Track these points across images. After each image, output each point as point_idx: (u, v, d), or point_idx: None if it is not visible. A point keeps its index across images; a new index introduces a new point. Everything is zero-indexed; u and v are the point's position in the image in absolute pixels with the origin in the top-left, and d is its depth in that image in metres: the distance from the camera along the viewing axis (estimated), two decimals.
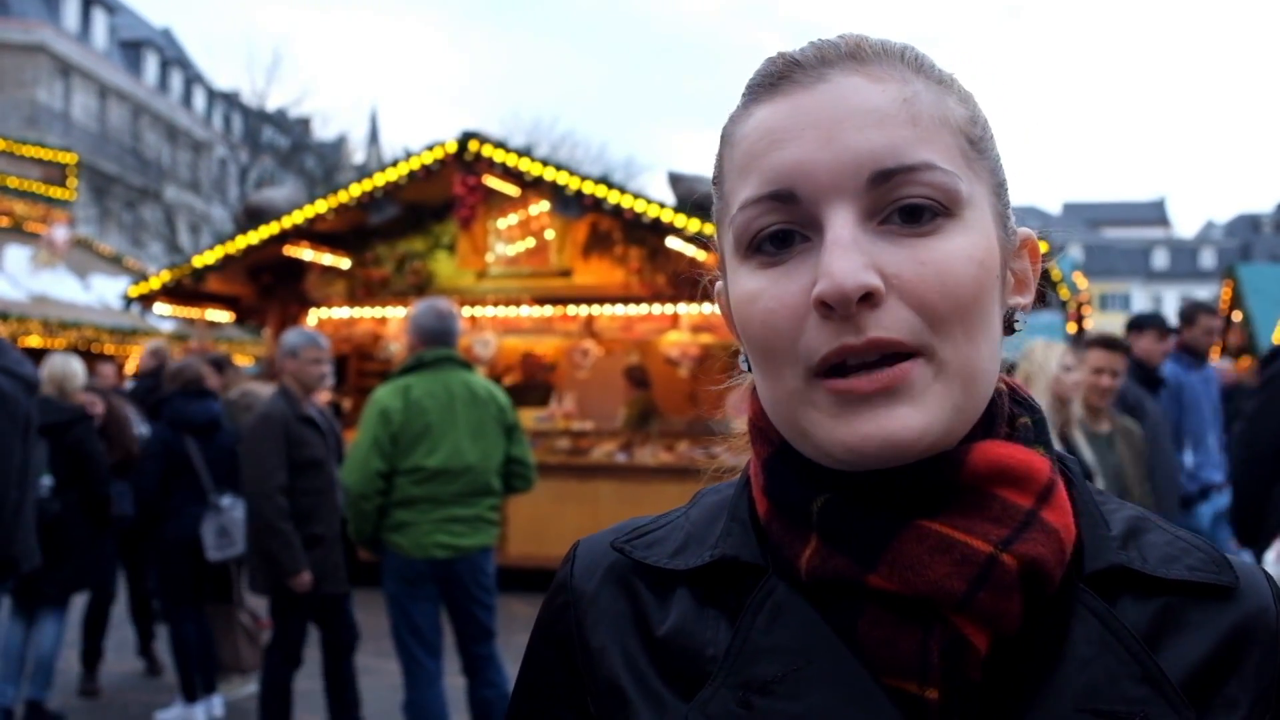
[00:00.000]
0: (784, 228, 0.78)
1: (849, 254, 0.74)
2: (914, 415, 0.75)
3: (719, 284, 0.92)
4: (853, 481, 0.79)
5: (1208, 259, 76.08)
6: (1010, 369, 0.94)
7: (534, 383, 11.84)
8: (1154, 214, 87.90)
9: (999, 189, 0.84)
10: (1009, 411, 0.86)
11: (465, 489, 5.09)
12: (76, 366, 6.43)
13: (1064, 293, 16.62)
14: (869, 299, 0.74)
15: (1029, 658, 0.77)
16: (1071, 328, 20.43)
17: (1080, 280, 20.03)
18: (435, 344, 5.24)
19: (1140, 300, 76.43)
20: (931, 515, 0.77)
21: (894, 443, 0.75)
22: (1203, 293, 72.45)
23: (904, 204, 0.76)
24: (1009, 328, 0.86)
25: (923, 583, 0.75)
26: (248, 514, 5.41)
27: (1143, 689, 0.76)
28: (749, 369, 0.89)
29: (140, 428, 7.31)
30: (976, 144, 0.82)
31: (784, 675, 0.77)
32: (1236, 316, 24.40)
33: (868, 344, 0.74)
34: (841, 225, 0.75)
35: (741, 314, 0.81)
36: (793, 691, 0.76)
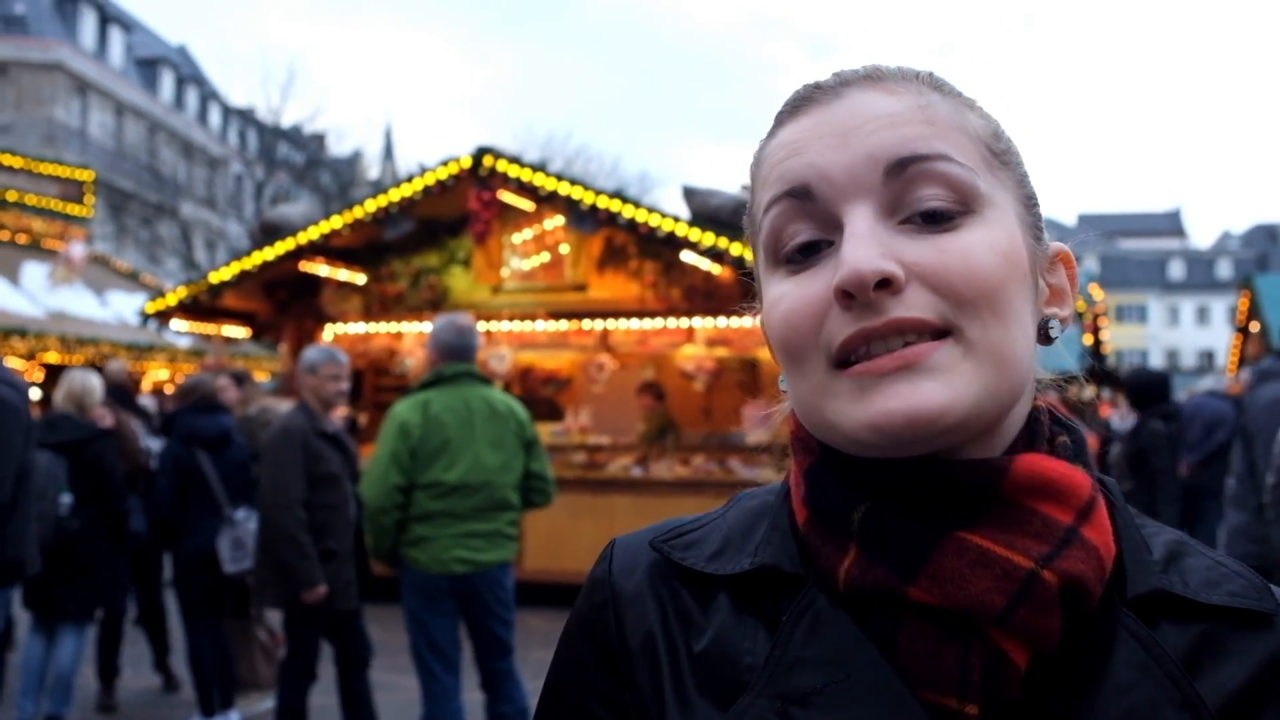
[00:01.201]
0: (810, 238, 0.80)
1: (866, 243, 0.76)
2: (938, 390, 0.75)
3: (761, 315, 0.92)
4: (894, 490, 0.79)
5: (1224, 270, 75.76)
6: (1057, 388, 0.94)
7: (536, 398, 11.82)
8: (1170, 225, 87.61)
9: (1028, 201, 0.85)
10: (1049, 431, 0.86)
11: (484, 504, 5.09)
12: (95, 382, 6.46)
13: (1080, 304, 16.60)
14: (888, 285, 0.75)
15: (1069, 678, 0.77)
16: (1088, 339, 20.38)
17: (1096, 292, 19.99)
18: (454, 359, 5.25)
19: (1157, 312, 76.18)
20: (971, 528, 0.77)
21: (918, 417, 0.75)
22: (1219, 304, 72.25)
23: (924, 208, 0.77)
24: (1045, 337, 0.86)
25: (963, 597, 0.75)
26: (261, 527, 5.43)
27: (1182, 716, 0.75)
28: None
29: (146, 441, 7.36)
30: (999, 155, 0.83)
31: (823, 687, 0.77)
32: (1254, 327, 24.30)
33: (888, 324, 0.75)
34: (860, 220, 0.77)
35: (768, 320, 0.83)
36: (831, 704, 0.76)
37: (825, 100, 0.83)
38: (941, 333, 0.76)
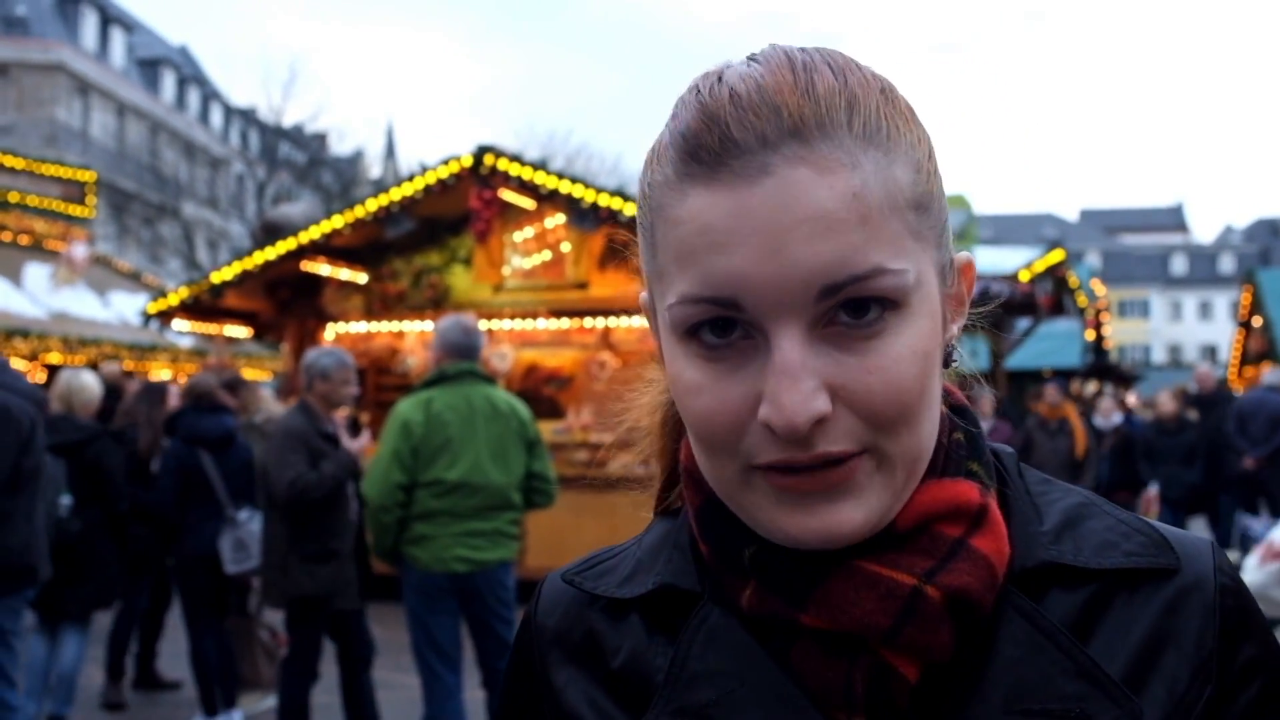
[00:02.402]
0: (725, 317, 0.75)
1: (797, 383, 0.71)
2: (856, 510, 0.74)
3: (644, 295, 0.89)
4: None
5: (1227, 264, 75.75)
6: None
7: (538, 396, 11.81)
8: (1172, 219, 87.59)
9: (941, 236, 0.80)
10: (947, 428, 0.85)
11: (485, 503, 5.09)
12: (85, 380, 6.45)
13: (1082, 300, 16.55)
14: (818, 422, 0.72)
15: (961, 676, 0.77)
16: (1090, 335, 20.37)
17: (1098, 287, 20.02)
18: (458, 358, 5.25)
19: (1159, 307, 76.16)
20: (863, 555, 0.77)
21: (834, 536, 0.75)
22: (1222, 299, 72.18)
23: (853, 310, 0.73)
24: (946, 363, 0.84)
25: (849, 620, 0.76)
26: (266, 527, 5.44)
27: (1078, 684, 0.75)
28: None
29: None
30: (921, 203, 0.77)
31: (719, 698, 0.78)
32: (1257, 322, 24.29)
33: (813, 458, 0.73)
34: (790, 346, 0.72)
35: (680, 399, 0.79)
36: (726, 714, 0.78)
37: (747, 174, 0.72)
38: (861, 452, 0.74)
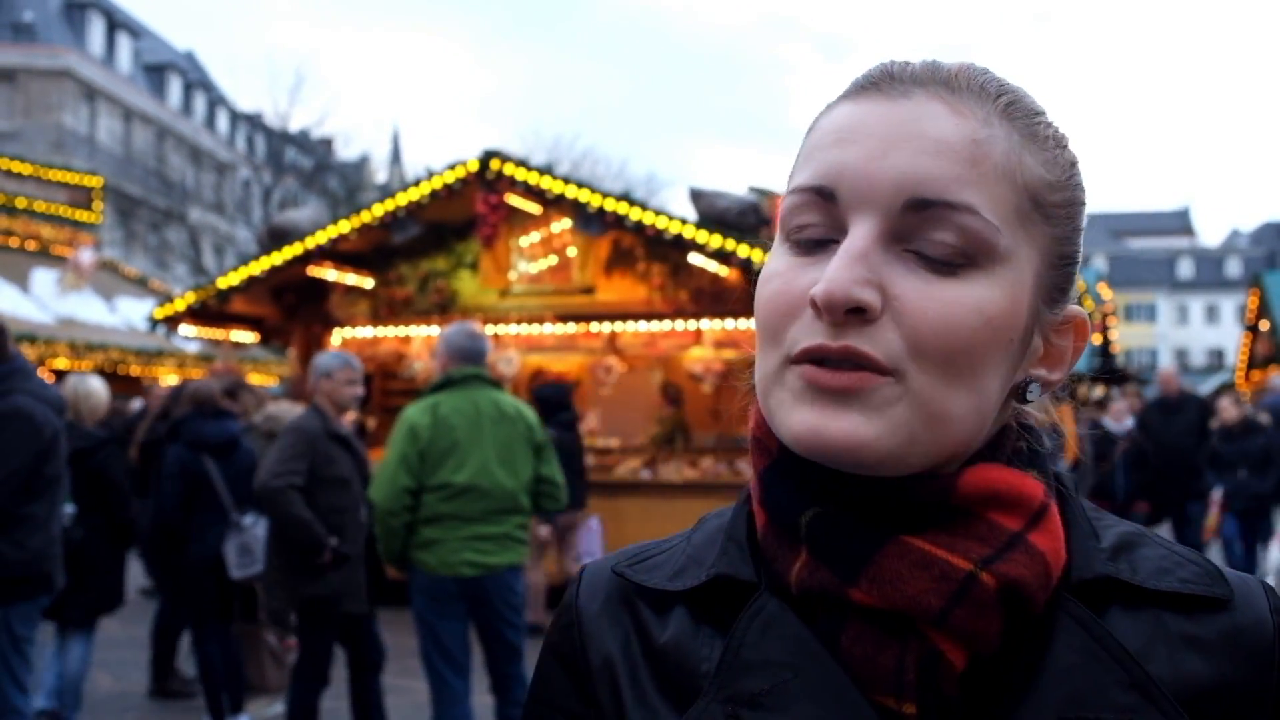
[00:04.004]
0: (820, 236, 0.79)
1: (853, 265, 0.75)
2: (863, 426, 0.75)
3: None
4: (843, 496, 0.79)
5: (1233, 268, 75.65)
6: None
7: None
8: (1178, 223, 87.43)
9: (1060, 262, 0.83)
10: (1014, 437, 0.86)
11: (493, 506, 5.08)
12: (93, 385, 6.44)
13: (1088, 304, 16.56)
14: (860, 313, 0.74)
15: (1011, 674, 0.77)
16: (1096, 339, 20.35)
17: (1104, 291, 19.99)
18: (464, 362, 5.25)
19: (1165, 311, 76.03)
20: (918, 532, 0.77)
21: (832, 441, 0.75)
22: (1229, 303, 72.05)
23: (929, 253, 0.76)
24: (1021, 396, 0.85)
25: (900, 598, 0.75)
26: (270, 528, 5.44)
27: (1131, 696, 0.75)
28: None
29: None
30: (1044, 208, 0.80)
31: (771, 688, 0.78)
32: (1264, 325, 24.25)
33: (842, 349, 0.75)
34: (860, 236, 0.76)
35: (759, 288, 0.83)
36: (779, 704, 0.77)
37: (891, 94, 0.80)
38: (888, 371, 0.76)
